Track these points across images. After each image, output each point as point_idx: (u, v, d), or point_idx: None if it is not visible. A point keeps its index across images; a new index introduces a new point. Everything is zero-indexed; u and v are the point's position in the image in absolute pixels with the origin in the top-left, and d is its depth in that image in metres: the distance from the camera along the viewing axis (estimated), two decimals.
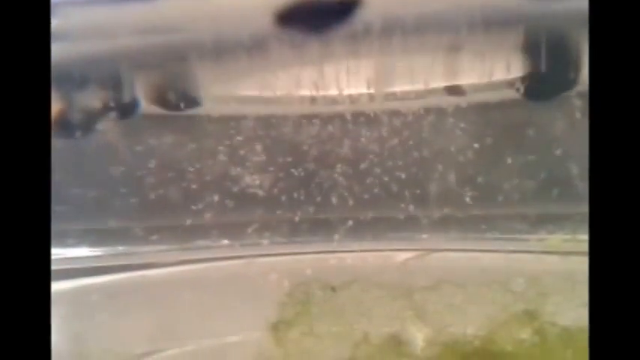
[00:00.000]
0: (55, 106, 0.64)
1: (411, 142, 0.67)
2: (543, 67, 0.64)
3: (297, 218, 0.68)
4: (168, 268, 0.68)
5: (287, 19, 0.59)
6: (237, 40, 0.61)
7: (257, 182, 0.67)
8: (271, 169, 0.67)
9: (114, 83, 0.65)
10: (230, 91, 0.67)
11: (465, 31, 0.61)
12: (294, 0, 0.57)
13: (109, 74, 0.65)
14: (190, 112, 0.66)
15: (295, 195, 0.67)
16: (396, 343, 0.59)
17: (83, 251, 0.70)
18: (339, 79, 0.65)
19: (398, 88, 0.66)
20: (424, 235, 0.69)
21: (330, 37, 0.60)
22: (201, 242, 0.68)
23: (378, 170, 0.67)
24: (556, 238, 0.65)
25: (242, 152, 0.67)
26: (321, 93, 0.66)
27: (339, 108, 0.66)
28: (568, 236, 0.65)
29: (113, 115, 0.66)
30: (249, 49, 0.61)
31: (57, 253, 0.70)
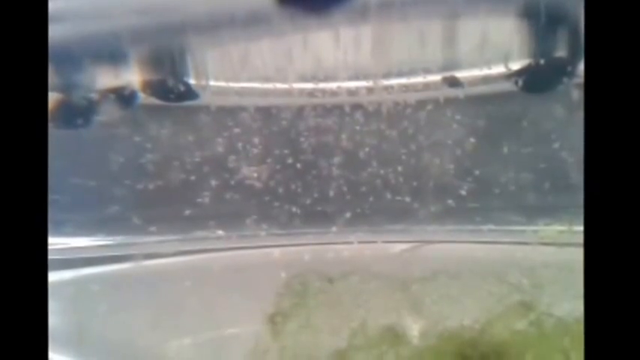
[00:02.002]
0: (54, 97, 0.64)
1: (408, 134, 0.67)
2: (540, 59, 0.64)
3: (294, 210, 0.68)
4: (166, 258, 0.68)
5: None
6: (235, 20, 0.61)
7: (255, 174, 0.67)
8: (269, 160, 0.68)
9: (113, 73, 0.66)
10: (228, 83, 0.67)
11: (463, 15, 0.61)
12: None
13: (107, 60, 0.65)
14: (189, 103, 0.66)
15: (293, 186, 0.68)
16: (393, 334, 0.59)
17: (83, 241, 0.71)
18: (338, 70, 0.66)
19: (396, 80, 0.66)
20: (420, 227, 0.69)
21: (330, 16, 0.60)
22: (199, 233, 0.69)
23: (374, 162, 0.68)
24: (551, 230, 0.66)
25: (240, 143, 0.67)
26: (320, 86, 0.66)
27: (337, 100, 0.66)
28: (564, 227, 0.65)
29: (112, 105, 0.66)
30: (247, 28, 0.62)
31: (56, 242, 0.70)
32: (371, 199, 0.68)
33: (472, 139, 0.67)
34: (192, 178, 0.67)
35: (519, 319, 0.56)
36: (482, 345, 0.55)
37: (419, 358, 0.57)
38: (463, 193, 0.68)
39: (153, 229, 0.69)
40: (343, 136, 0.67)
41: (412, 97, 0.66)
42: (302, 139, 0.67)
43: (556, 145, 0.66)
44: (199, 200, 0.68)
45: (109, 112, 0.66)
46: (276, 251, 0.68)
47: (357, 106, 0.67)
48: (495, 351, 0.54)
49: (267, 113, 0.67)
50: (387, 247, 0.68)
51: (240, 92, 0.67)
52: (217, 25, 0.62)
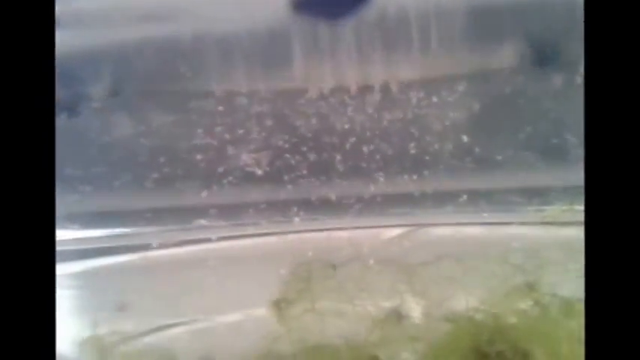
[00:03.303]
0: None
1: (407, 115, 0.66)
2: (541, 35, 0.63)
3: (295, 196, 0.68)
4: (169, 249, 0.68)
5: (302, 5, 0.58)
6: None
7: (255, 161, 0.67)
8: (269, 147, 0.67)
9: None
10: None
11: None
12: None
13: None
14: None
15: (293, 173, 0.68)
16: (397, 317, 0.60)
17: (83, 233, 0.70)
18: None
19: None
20: (421, 210, 0.69)
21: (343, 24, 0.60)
22: (199, 222, 0.68)
23: (373, 144, 0.67)
24: (553, 209, 0.66)
25: (240, 131, 0.67)
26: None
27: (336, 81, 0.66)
28: (565, 206, 0.65)
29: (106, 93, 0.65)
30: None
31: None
32: (371, 182, 0.68)
33: (471, 118, 0.66)
34: (192, 167, 0.67)
35: (523, 299, 0.56)
36: (488, 327, 0.55)
37: (434, 356, 0.57)
38: (463, 174, 0.67)
39: (151, 219, 0.69)
40: (342, 119, 0.67)
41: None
42: (302, 126, 0.67)
43: (556, 123, 0.65)
44: (199, 189, 0.67)
45: (104, 100, 0.66)
46: (278, 239, 0.67)
47: (356, 88, 0.66)
48: (512, 347, 0.54)
49: (266, 98, 0.66)
50: (387, 232, 0.68)
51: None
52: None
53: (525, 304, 0.57)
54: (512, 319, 0.56)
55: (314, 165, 0.67)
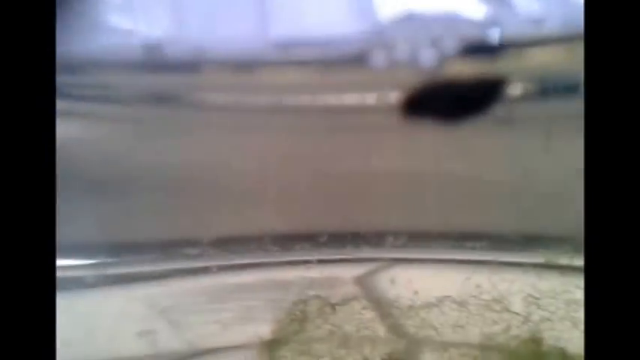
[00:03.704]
0: None
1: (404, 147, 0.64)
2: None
3: (291, 226, 0.64)
4: (157, 280, 0.62)
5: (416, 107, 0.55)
6: None
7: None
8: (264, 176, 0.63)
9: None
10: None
11: None
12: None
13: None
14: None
15: (294, 205, 0.64)
16: None
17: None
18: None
19: None
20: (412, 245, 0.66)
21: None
22: (190, 251, 0.63)
23: (368, 173, 0.64)
24: (553, 254, 0.63)
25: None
26: None
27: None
28: (567, 252, 0.63)
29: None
30: None
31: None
32: (369, 215, 0.65)
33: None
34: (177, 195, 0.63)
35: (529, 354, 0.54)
36: None
37: None
38: (458, 212, 0.65)
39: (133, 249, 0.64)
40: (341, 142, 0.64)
41: None
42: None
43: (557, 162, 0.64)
44: (185, 215, 0.63)
45: None
46: (273, 271, 0.63)
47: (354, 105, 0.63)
48: None
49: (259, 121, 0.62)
50: (381, 271, 0.64)
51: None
52: None
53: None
54: None
55: (315, 197, 0.64)
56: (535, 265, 0.62)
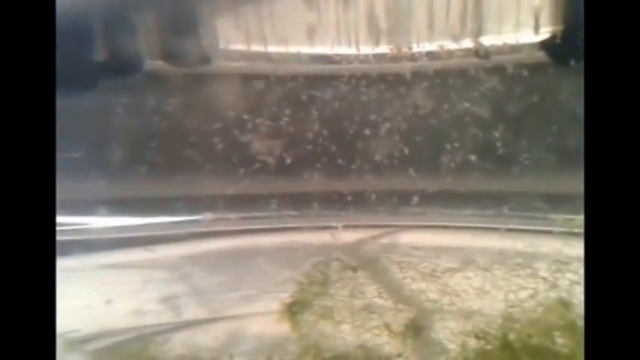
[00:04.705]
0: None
1: (427, 107, 0.62)
2: (572, 27, 0.59)
3: (310, 189, 0.63)
4: (178, 243, 0.62)
5: None
6: None
7: (267, 150, 0.62)
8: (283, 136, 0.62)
9: (114, 36, 0.59)
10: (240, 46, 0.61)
11: None
12: None
13: (109, 25, 0.58)
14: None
15: (308, 164, 0.62)
16: (417, 329, 0.56)
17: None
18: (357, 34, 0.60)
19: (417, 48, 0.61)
20: (437, 210, 0.64)
21: None
22: (209, 215, 0.63)
23: (393, 138, 0.63)
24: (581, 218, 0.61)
25: (252, 117, 0.61)
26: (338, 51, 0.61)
27: (356, 67, 0.61)
28: None
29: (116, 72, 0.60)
30: None
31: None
32: (389, 179, 0.63)
33: (494, 115, 0.62)
34: (198, 156, 0.62)
35: (559, 319, 0.53)
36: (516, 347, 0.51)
37: None
38: (483, 174, 0.63)
39: (156, 211, 0.64)
40: (361, 108, 0.62)
41: (431, 67, 0.61)
42: (316, 111, 0.62)
43: None
44: (203, 178, 0.62)
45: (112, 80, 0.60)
46: (292, 234, 0.62)
47: (376, 75, 0.62)
48: None
49: (281, 82, 0.61)
50: (404, 234, 0.63)
51: (254, 57, 0.61)
52: None
53: (561, 326, 0.53)
54: (548, 342, 0.52)
55: (330, 156, 0.63)
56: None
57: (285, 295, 0.57)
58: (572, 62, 0.60)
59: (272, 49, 0.61)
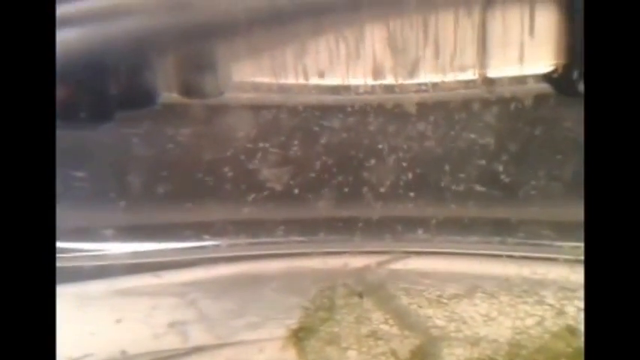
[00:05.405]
0: (67, 95, 0.59)
1: (434, 136, 0.63)
2: (577, 60, 0.60)
3: (318, 215, 0.64)
4: (184, 269, 0.63)
5: None
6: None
7: (275, 177, 0.63)
8: (291, 164, 0.63)
9: (132, 70, 0.61)
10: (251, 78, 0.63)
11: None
12: None
13: (126, 60, 0.61)
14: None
15: (316, 191, 0.63)
16: (423, 356, 0.56)
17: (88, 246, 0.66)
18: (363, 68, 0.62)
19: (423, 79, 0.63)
20: (443, 237, 0.65)
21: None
22: (216, 241, 0.64)
23: (399, 165, 0.64)
24: None
25: (261, 145, 0.63)
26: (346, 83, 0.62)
27: (363, 98, 0.63)
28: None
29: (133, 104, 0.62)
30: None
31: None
32: (395, 206, 0.64)
33: (501, 144, 0.62)
34: (209, 179, 0.63)
35: (566, 347, 0.52)
36: None
37: None
38: (489, 202, 0.63)
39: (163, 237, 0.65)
40: (368, 137, 0.63)
41: (439, 97, 0.62)
42: (324, 140, 0.63)
43: None
44: (213, 205, 0.63)
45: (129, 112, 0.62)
46: (299, 260, 0.63)
47: (383, 106, 0.63)
48: None
49: (291, 112, 0.62)
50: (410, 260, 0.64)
51: (264, 89, 0.62)
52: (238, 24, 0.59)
53: (568, 353, 0.53)
54: None
55: (337, 183, 0.63)
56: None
57: (292, 322, 0.57)
58: (576, 93, 0.61)
59: (282, 80, 0.63)
